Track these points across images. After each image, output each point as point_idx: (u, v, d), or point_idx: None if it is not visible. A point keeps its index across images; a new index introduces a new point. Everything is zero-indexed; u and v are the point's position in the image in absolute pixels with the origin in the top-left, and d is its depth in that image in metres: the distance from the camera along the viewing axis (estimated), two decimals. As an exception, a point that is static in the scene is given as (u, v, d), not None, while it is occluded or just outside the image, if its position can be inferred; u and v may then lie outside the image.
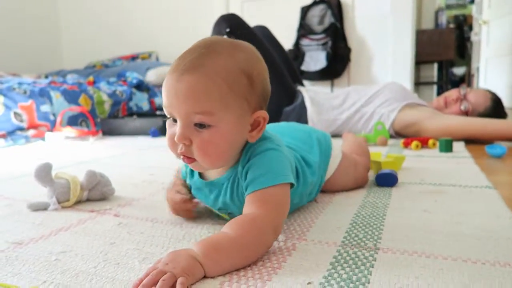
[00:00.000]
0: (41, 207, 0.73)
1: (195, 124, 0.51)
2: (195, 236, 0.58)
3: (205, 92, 0.49)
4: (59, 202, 0.74)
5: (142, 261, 0.50)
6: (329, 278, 0.44)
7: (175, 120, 0.52)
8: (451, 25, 4.74)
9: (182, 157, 0.54)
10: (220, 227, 0.61)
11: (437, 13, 3.73)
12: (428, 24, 3.62)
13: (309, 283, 0.43)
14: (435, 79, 3.62)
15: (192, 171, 0.62)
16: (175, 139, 0.51)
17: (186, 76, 0.49)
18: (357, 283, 0.43)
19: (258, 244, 0.49)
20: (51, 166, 0.75)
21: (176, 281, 0.41)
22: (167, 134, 0.54)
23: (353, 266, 0.47)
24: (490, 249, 0.51)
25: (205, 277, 0.45)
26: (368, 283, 0.43)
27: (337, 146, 0.80)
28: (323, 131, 0.81)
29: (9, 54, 3.30)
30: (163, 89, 0.52)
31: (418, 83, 3.46)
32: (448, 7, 5.59)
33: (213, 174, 0.60)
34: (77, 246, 0.55)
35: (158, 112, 2.52)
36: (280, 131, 0.75)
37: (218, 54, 0.51)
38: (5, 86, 1.86)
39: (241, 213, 0.58)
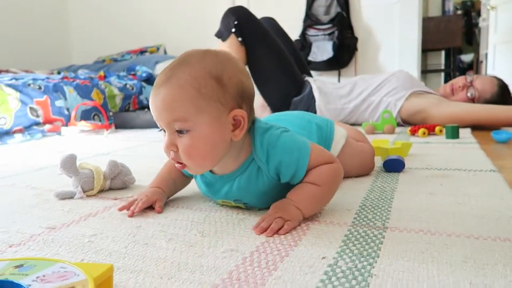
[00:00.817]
0: (67, 196, 0.78)
1: (177, 131, 0.56)
2: (214, 219, 0.62)
3: (176, 100, 0.54)
4: (84, 191, 0.79)
5: (169, 241, 0.54)
6: (342, 253, 0.48)
7: (165, 130, 0.58)
8: (459, 12, 4.70)
9: (176, 164, 0.59)
10: (237, 211, 0.65)
11: (444, 0, 3.71)
12: (435, 11, 3.61)
13: (323, 257, 0.47)
14: (442, 66, 3.61)
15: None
16: (164, 147, 0.58)
17: (159, 89, 0.55)
18: (368, 257, 0.47)
19: (336, 186, 0.63)
20: (76, 157, 0.79)
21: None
22: (163, 144, 0.59)
23: (364, 243, 0.51)
24: (492, 226, 0.55)
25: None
26: (378, 257, 0.47)
27: (341, 132, 0.83)
28: (327, 118, 0.85)
29: (20, 51, 3.35)
30: (150, 105, 0.58)
31: (426, 71, 3.47)
32: (455, -7, 5.52)
33: (224, 169, 0.63)
34: (107, 229, 0.60)
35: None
36: (281, 118, 0.80)
37: (187, 64, 0.56)
38: (20, 83, 1.91)
39: (257, 203, 0.64)
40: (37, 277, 0.35)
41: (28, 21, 3.48)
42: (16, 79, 1.96)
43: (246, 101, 0.59)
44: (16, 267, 0.37)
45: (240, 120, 0.57)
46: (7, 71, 2.61)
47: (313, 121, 0.80)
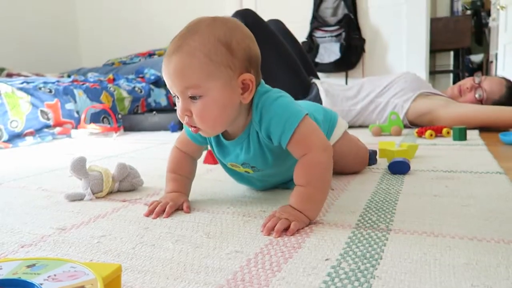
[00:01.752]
0: (77, 198, 0.80)
1: (190, 97, 0.58)
2: (220, 221, 0.63)
3: (188, 68, 0.57)
4: (93, 193, 0.80)
5: (175, 242, 0.55)
6: (345, 255, 0.49)
7: (178, 97, 0.60)
8: (468, 12, 4.66)
9: (190, 128, 0.62)
10: (243, 213, 0.66)
11: (452, 0, 3.68)
12: (443, 12, 3.59)
13: (326, 259, 0.48)
14: (451, 67, 3.59)
15: (217, 136, 0.69)
16: (179, 113, 0.61)
17: (171, 58, 0.58)
18: (371, 259, 0.47)
19: (330, 175, 0.62)
20: (85, 160, 0.81)
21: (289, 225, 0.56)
22: (177, 110, 0.62)
23: (367, 245, 0.51)
24: (496, 228, 0.55)
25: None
26: (381, 259, 0.47)
27: (343, 122, 0.88)
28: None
29: (32, 55, 3.41)
30: (162, 73, 0.61)
31: (434, 72, 3.44)
32: (465, -7, 5.47)
33: (235, 133, 0.67)
34: (115, 230, 0.61)
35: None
36: None
37: (196, 32, 0.58)
38: (31, 86, 1.94)
39: (263, 165, 0.67)
40: (49, 276, 0.36)
41: (38, 26, 3.53)
42: (27, 83, 1.99)
43: (253, 65, 0.61)
44: (28, 266, 0.38)
45: (249, 83, 0.60)
46: (18, 75, 2.66)
47: (322, 107, 0.85)
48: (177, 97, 0.60)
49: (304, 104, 0.77)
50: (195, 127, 0.61)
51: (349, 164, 0.89)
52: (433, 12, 3.36)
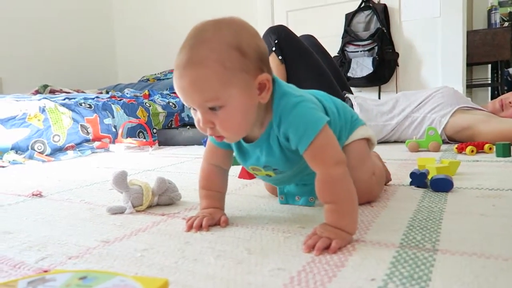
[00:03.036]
0: (118, 211, 0.82)
1: (210, 108, 0.57)
2: (260, 236, 0.63)
3: (204, 81, 0.55)
4: (133, 207, 0.82)
5: (217, 257, 0.55)
6: (391, 275, 0.47)
7: (195, 108, 0.59)
8: (506, 23, 4.52)
9: (215, 138, 0.62)
10: (283, 230, 0.66)
11: (489, 12, 3.58)
12: (480, 24, 3.49)
13: (372, 279, 0.46)
14: (489, 81, 3.47)
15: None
16: (201, 125, 0.59)
17: (184, 72, 0.56)
18: (419, 280, 0.46)
19: (350, 184, 0.59)
20: (126, 174, 0.83)
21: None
22: (194, 120, 0.61)
23: (414, 266, 0.50)
24: (553, 251, 0.52)
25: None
26: (430, 280, 0.45)
27: (369, 130, 0.80)
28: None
29: (72, 72, 3.59)
30: (174, 86, 0.59)
31: (471, 86, 3.34)
32: (501, 4, 5.32)
33: (253, 136, 0.66)
34: (157, 244, 0.62)
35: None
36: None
37: (204, 41, 0.56)
38: (73, 102, 2.03)
39: (285, 167, 0.67)
40: (100, 289, 0.37)
41: (78, 46, 3.72)
42: (69, 99, 2.08)
43: (265, 62, 0.60)
44: (80, 278, 0.39)
45: (265, 83, 0.59)
46: (60, 91, 2.79)
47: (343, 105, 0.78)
48: (194, 108, 0.59)
49: (324, 97, 0.74)
50: (218, 136, 0.61)
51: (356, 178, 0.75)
52: (469, 25, 3.28)
